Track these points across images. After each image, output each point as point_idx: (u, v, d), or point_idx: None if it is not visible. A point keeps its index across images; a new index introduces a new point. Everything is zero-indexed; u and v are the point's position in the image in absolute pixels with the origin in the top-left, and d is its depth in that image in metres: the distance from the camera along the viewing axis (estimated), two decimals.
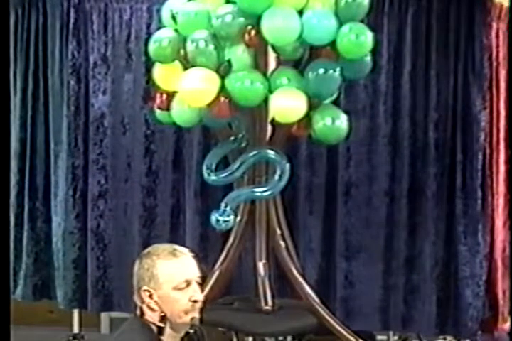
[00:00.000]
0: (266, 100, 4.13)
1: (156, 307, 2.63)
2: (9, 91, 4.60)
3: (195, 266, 2.67)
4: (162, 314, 2.63)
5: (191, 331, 2.69)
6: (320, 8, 4.02)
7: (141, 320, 2.66)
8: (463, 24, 4.68)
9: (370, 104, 4.87)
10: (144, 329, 2.64)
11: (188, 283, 2.63)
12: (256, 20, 3.97)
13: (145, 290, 2.63)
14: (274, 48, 4.17)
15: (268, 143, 4.31)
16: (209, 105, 4.07)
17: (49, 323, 5.86)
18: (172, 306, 2.62)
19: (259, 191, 4.25)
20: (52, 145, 5.22)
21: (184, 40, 4.11)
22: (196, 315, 2.64)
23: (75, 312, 5.45)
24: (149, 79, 4.66)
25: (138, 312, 2.68)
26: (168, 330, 2.65)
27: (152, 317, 2.64)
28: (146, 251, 2.69)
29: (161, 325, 2.63)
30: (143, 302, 2.64)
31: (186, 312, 2.63)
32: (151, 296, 2.62)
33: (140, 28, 5.06)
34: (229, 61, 4.04)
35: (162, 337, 2.64)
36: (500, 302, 4.74)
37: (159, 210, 5.13)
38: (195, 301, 2.63)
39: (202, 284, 2.69)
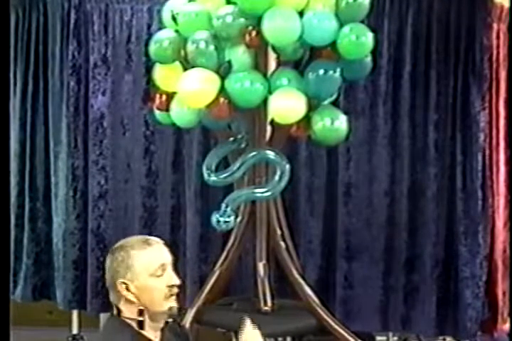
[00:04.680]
0: (265, 101, 4.13)
1: (134, 299, 2.60)
2: (9, 92, 4.60)
3: (168, 252, 2.67)
4: (140, 307, 2.61)
5: (170, 320, 2.68)
6: (320, 8, 4.02)
7: (119, 318, 2.64)
8: (463, 25, 4.69)
9: (369, 104, 4.87)
10: (124, 326, 2.62)
11: (164, 268, 2.62)
12: (256, 21, 3.97)
13: (121, 283, 2.60)
14: (274, 49, 4.17)
15: (268, 143, 4.30)
16: (209, 106, 4.06)
17: (48, 324, 5.85)
18: (150, 294, 2.60)
19: (260, 192, 4.25)
20: (52, 146, 5.22)
21: (184, 40, 4.10)
22: (174, 304, 2.64)
23: (75, 313, 5.44)
24: (149, 80, 4.66)
25: (115, 311, 2.65)
26: (148, 322, 2.63)
27: (130, 312, 2.62)
28: (117, 245, 2.67)
29: (140, 318, 2.61)
30: (120, 296, 2.61)
31: (165, 299, 2.61)
32: (128, 288, 2.60)
33: (140, 29, 5.06)
34: (229, 62, 4.04)
35: (143, 331, 2.62)
36: (500, 303, 4.74)
37: (159, 211, 5.13)
38: (172, 286, 2.63)
39: (176, 270, 2.69)
